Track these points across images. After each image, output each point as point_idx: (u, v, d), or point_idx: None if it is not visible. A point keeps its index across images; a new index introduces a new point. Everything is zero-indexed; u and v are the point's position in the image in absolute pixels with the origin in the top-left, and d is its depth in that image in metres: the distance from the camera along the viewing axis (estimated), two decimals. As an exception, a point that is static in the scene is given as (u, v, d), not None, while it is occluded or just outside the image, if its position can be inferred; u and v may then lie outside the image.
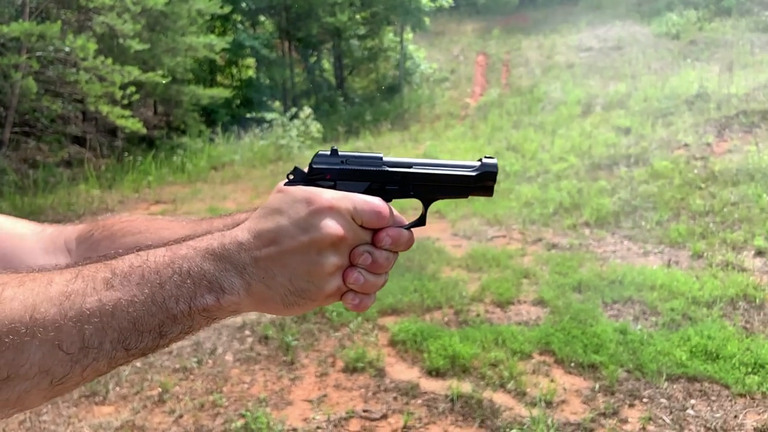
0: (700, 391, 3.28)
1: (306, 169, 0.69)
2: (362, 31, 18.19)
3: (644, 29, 19.71)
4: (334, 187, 0.66)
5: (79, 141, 11.40)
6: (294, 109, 13.49)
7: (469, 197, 0.71)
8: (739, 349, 3.61)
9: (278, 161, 11.85)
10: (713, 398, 3.20)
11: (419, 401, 3.34)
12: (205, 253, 0.58)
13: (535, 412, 3.11)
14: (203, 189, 9.67)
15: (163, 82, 9.78)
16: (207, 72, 15.88)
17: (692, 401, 3.19)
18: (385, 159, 0.69)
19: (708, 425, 2.95)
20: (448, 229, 6.87)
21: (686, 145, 10.31)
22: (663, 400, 3.21)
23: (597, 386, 3.38)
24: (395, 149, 12.43)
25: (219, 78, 17.61)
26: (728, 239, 5.95)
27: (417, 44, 19.21)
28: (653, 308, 4.40)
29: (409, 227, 0.68)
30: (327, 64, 19.63)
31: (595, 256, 5.66)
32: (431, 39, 21.08)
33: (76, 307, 0.51)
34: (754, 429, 2.89)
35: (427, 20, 17.48)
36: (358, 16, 17.70)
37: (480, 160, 0.71)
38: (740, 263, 5.33)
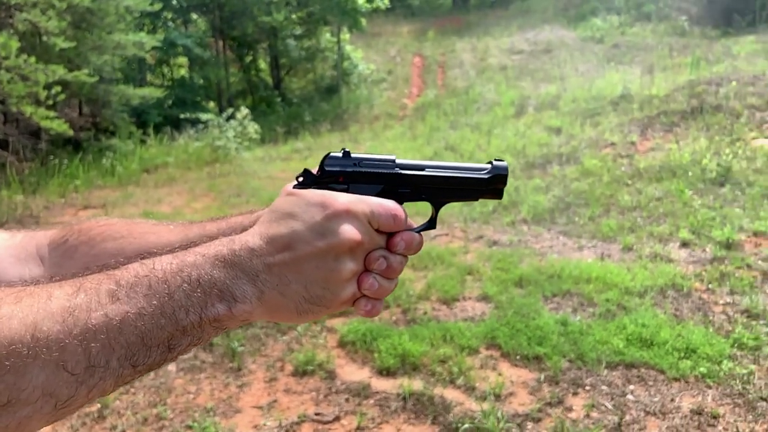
0: (638, 376, 3.45)
1: (315, 171, 0.66)
2: (299, 30, 18.02)
3: (571, 33, 20.53)
4: (346, 190, 0.64)
5: (0, 144, 10.72)
6: (230, 110, 13.19)
7: (479, 200, 0.71)
8: (671, 336, 3.81)
9: (215, 163, 11.56)
10: (650, 383, 3.37)
11: (371, 401, 3.34)
12: (215, 260, 0.55)
13: (485, 405, 3.17)
14: (135, 193, 9.30)
15: (90, 81, 9.32)
16: (136, 71, 15.28)
17: (631, 387, 3.34)
18: (397, 161, 0.68)
19: (647, 409, 3.11)
20: (391, 229, 6.91)
21: (613, 144, 10.82)
22: (604, 387, 3.35)
23: (542, 377, 3.49)
24: (336, 149, 12.36)
25: (149, 77, 16.99)
26: (655, 232, 6.28)
27: (354, 45, 19.23)
28: (590, 299, 4.59)
29: (419, 231, 0.66)
30: (263, 64, 19.31)
31: (534, 252, 5.84)
32: (368, 40, 21.16)
33: (81, 324, 0.47)
34: (690, 411, 3.06)
35: (363, 21, 17.53)
36: (294, 16, 17.52)
37: (490, 162, 0.70)
38: (667, 254, 5.63)
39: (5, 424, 0.45)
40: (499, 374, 3.53)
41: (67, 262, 0.74)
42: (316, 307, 0.59)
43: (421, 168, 0.69)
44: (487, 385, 3.40)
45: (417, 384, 3.44)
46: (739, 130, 10.46)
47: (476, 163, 0.71)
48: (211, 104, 14.78)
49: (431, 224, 0.71)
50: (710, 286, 4.79)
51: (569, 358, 3.67)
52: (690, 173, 8.60)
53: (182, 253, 0.55)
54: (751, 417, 3.00)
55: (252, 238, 0.57)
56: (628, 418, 3.04)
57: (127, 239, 0.74)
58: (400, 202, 0.66)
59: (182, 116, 13.51)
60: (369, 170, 0.67)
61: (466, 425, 3.02)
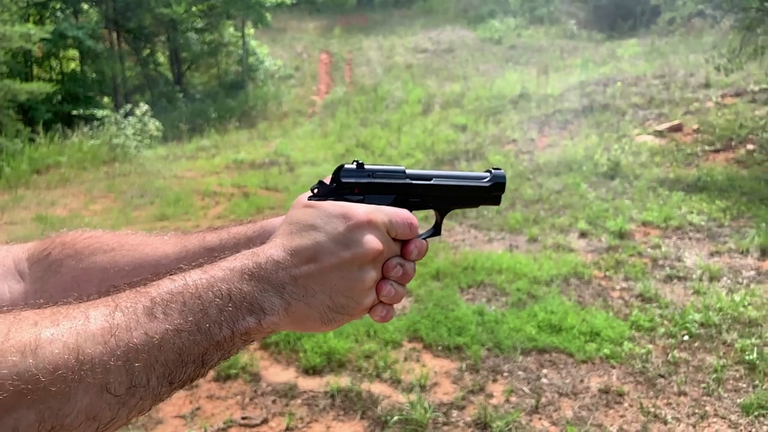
0: (550, 361, 3.69)
1: (327, 182, 0.67)
2: (200, 24, 17.38)
3: (471, 34, 21.31)
4: (362, 201, 0.66)
5: None
6: (128, 106, 12.51)
7: (479, 207, 0.75)
8: (577, 321, 4.10)
9: (113, 162, 10.93)
10: (561, 366, 3.61)
11: (299, 401, 3.33)
12: (242, 273, 0.55)
13: (412, 396, 3.27)
14: (26, 195, 8.61)
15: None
16: (22, 65, 14.06)
17: (545, 371, 3.57)
18: (407, 172, 0.70)
19: (560, 391, 3.33)
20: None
21: (514, 140, 11.38)
22: (520, 373, 3.56)
23: (463, 366, 3.63)
24: (244, 147, 12.09)
25: (36, 71, 15.71)
26: (556, 224, 6.69)
27: (259, 40, 18.84)
28: (502, 289, 4.82)
29: (426, 237, 0.69)
30: (162, 58, 18.44)
31: (448, 245, 6.05)
32: (273, 35, 20.79)
33: (123, 344, 0.47)
34: (599, 390, 3.32)
35: (268, 16, 17.21)
36: (195, 9, 16.87)
37: (489, 171, 0.75)
38: (568, 244, 6.03)
39: None
40: (423, 366, 3.64)
41: (51, 276, 0.71)
42: (340, 316, 0.60)
43: (429, 178, 0.72)
44: (413, 377, 3.50)
45: (344, 381, 3.47)
46: (625, 127, 11.35)
47: (476, 172, 0.75)
48: (106, 100, 13.92)
49: (437, 230, 0.74)
50: (607, 273, 5.18)
51: (487, 347, 3.85)
52: (584, 168, 9.23)
53: (209, 268, 0.55)
54: (652, 393, 3.30)
55: (276, 251, 0.58)
56: (543, 400, 3.25)
57: (119, 251, 0.72)
58: (410, 211, 0.68)
59: (75, 112, 12.62)
60: (383, 181, 0.69)
61: (395, 417, 3.09)
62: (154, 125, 12.44)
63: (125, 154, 11.22)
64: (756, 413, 3.06)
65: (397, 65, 18.33)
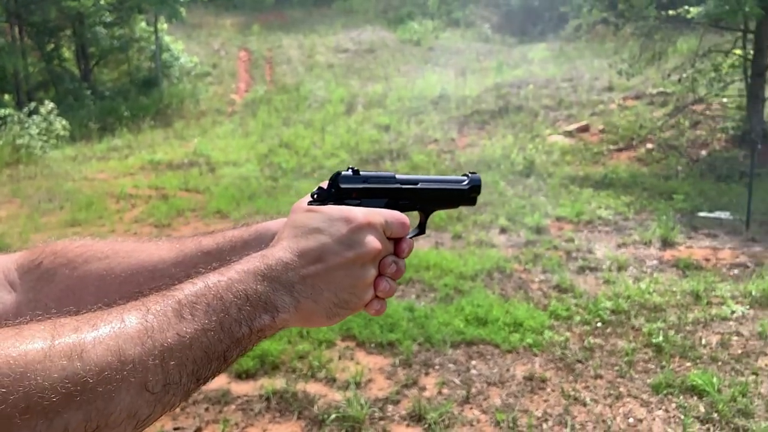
0: (478, 352, 3.85)
1: (325, 188, 0.72)
2: (109, 17, 16.52)
3: (391, 35, 21.58)
4: (359, 205, 0.71)
5: None
6: (32, 104, 11.74)
7: (458, 207, 0.82)
8: (501, 313, 4.30)
9: (17, 164, 10.25)
10: (488, 357, 3.78)
11: (233, 407, 3.30)
12: (255, 275, 0.59)
13: (348, 394, 3.32)
14: None
15: None
16: None
17: (473, 362, 3.73)
18: (397, 177, 0.77)
19: (489, 381, 3.50)
20: (231, 229, 6.76)
21: (436, 140, 11.69)
22: (451, 365, 3.69)
23: (396, 361, 3.73)
24: (160, 147, 11.66)
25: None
26: (478, 221, 6.96)
27: (173, 36, 18.16)
28: (431, 285, 4.97)
29: (413, 236, 0.75)
30: (68, 53, 17.39)
31: (376, 245, 6.14)
32: (188, 31, 20.11)
33: (159, 344, 0.50)
34: (524, 378, 3.51)
35: (182, 11, 16.62)
36: (103, 2, 16.00)
37: (466, 175, 0.82)
38: (490, 240, 6.29)
39: None
40: (357, 363, 3.70)
41: (45, 286, 0.70)
42: (343, 311, 0.65)
43: (416, 182, 0.78)
44: (347, 374, 3.55)
45: (278, 383, 3.46)
46: (538, 128, 11.93)
47: (456, 176, 0.82)
48: (7, 97, 12.99)
49: (422, 230, 0.80)
50: (527, 266, 5.46)
51: (418, 342, 3.96)
52: (502, 166, 9.64)
53: (225, 270, 0.59)
54: (571, 378, 3.53)
55: (283, 253, 0.62)
56: (474, 390, 3.40)
57: (115, 259, 0.72)
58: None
59: (-28, 111, 11.70)
60: (377, 186, 0.75)
61: (332, 416, 3.13)
62: (60, 124, 11.77)
63: (30, 155, 10.56)
64: (665, 392, 3.35)
65: (319, 64, 18.27)
